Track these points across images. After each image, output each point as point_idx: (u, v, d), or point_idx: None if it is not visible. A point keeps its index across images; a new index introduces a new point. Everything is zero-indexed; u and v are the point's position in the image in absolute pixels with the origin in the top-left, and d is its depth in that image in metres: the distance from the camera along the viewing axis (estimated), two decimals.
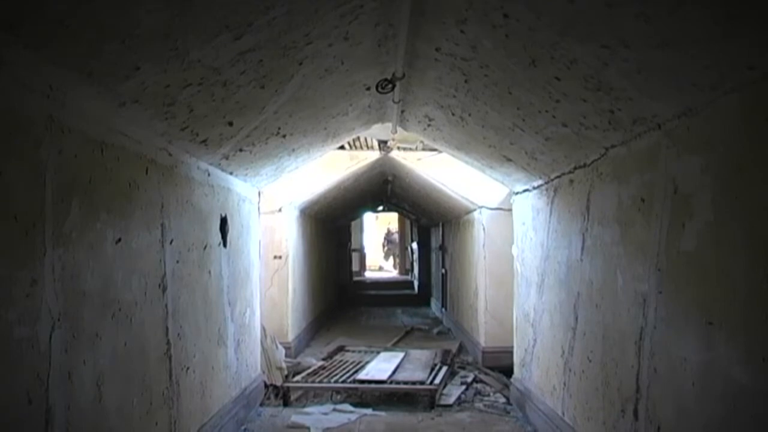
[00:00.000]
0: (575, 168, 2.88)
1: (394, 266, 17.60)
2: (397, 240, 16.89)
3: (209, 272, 3.06)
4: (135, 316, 2.17)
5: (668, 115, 1.94)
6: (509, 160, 3.39)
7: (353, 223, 13.47)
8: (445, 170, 5.34)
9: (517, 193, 4.07)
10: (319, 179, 5.47)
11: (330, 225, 9.36)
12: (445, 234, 8.20)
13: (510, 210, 4.58)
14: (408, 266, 15.01)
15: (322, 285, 8.14)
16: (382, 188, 7.54)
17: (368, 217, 20.32)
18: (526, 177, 3.58)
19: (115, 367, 2.01)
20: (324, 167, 5.38)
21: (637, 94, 1.90)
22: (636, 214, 2.21)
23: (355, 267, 14.33)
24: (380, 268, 18.09)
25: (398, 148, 5.33)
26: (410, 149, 5.34)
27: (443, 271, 8.25)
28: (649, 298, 2.11)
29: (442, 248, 8.37)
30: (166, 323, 2.47)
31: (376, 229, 22.92)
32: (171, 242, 2.53)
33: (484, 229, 5.25)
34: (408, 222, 14.64)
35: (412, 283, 13.12)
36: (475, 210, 5.57)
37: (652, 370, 2.07)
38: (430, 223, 9.96)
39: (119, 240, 2.06)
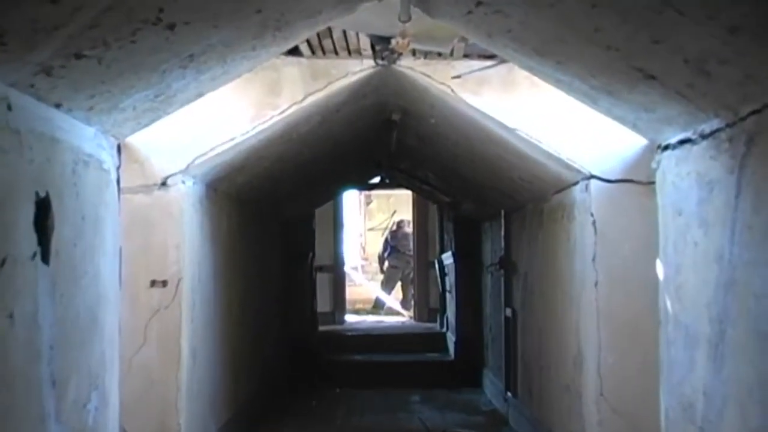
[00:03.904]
0: None
1: (406, 303, 17.61)
2: (411, 247, 16.89)
3: (10, 317, 3.01)
4: None
5: None
6: (650, 77, 3.36)
7: (320, 213, 13.45)
8: (510, 100, 5.35)
9: (665, 149, 4.04)
10: (246, 120, 5.43)
11: (271, 216, 9.33)
12: (512, 235, 8.19)
13: (649, 184, 4.54)
14: (434, 303, 15.00)
15: (254, 342, 8.13)
16: (380, 137, 7.51)
17: (350, 201, 20.34)
18: (684, 114, 3.56)
19: None
20: (257, 95, 5.38)
21: None
22: None
23: (323, 304, 14.33)
24: (376, 305, 18.15)
25: (413, 53, 5.31)
26: (438, 55, 5.30)
27: (508, 313, 8.25)
28: None
29: (506, 265, 8.39)
30: None
31: (368, 223, 22.98)
32: None
33: (593, 223, 5.23)
34: (435, 210, 14.61)
35: (442, 338, 13.15)
36: (574, 184, 5.55)
37: None
38: (480, 211, 9.95)
39: None
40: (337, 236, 15.75)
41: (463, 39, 4.87)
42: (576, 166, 5.31)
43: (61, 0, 2.57)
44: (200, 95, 4.34)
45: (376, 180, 12.14)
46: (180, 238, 5.42)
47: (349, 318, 16.15)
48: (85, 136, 3.73)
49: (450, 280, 12.45)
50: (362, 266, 21.52)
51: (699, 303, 3.61)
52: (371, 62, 5.40)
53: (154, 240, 5.33)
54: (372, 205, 22.88)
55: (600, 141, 5.13)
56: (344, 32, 5.06)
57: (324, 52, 5.38)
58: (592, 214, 5.25)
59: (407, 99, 6.19)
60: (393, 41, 5.01)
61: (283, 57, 5.19)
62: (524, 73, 4.79)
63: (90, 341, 3.79)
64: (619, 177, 5.19)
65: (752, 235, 3.17)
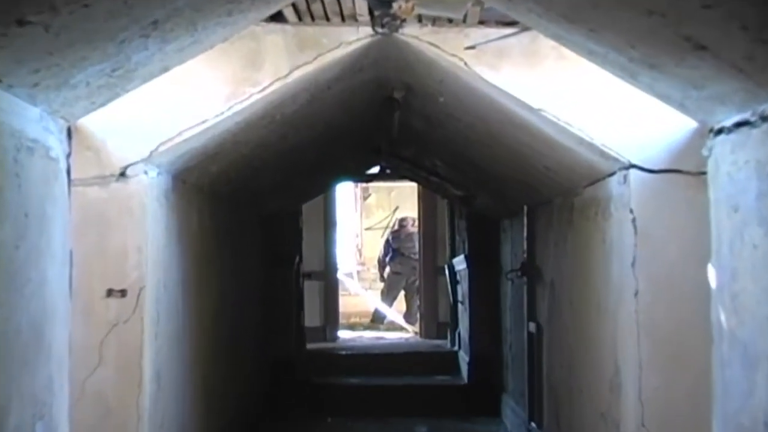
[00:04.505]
0: None
1: (410, 316, 17.62)
2: (416, 250, 16.89)
3: None
4: None
5: None
6: (700, 47, 3.35)
7: (308, 210, 13.45)
8: (534, 75, 5.35)
9: (718, 133, 4.03)
10: (220, 99, 5.43)
11: (250, 213, 9.32)
12: (536, 236, 8.21)
13: (699, 174, 4.55)
14: (443, 316, 15.00)
15: (229, 363, 8.14)
16: (380, 119, 7.51)
17: (345, 195, 20.32)
18: (741, 91, 3.55)
19: None
20: (234, 70, 5.38)
21: None
22: None
23: (312, 318, 14.34)
24: (375, 319, 18.16)
25: (419, 20, 5.32)
26: (449, 21, 5.32)
27: (532, 328, 8.27)
28: None
29: (529, 271, 8.41)
30: None
31: (365, 221, 22.96)
32: None
33: (633, 221, 5.23)
34: (444, 206, 14.60)
35: (453, 357, 13.19)
36: (610, 174, 5.55)
37: None
38: (498, 207, 9.95)
39: None
40: (328, 237, 15.75)
41: (479, 2, 4.87)
42: (612, 153, 5.29)
43: None
44: (166, 69, 4.33)
45: (375, 170, 12.13)
46: (142, 239, 5.42)
47: (343, 334, 16.15)
48: (29, 118, 3.72)
49: (463, 288, 12.45)
50: (358, 272, 21.52)
51: (759, 316, 3.60)
52: (369, 30, 5.38)
53: (111, 241, 5.32)
54: (370, 200, 22.89)
55: (641, 124, 5.13)
56: None
57: (313, 18, 5.36)
58: (631, 211, 5.24)
59: (412, 74, 6.18)
60: (395, 5, 5.02)
61: (264, 24, 5.18)
62: (551, 43, 4.78)
63: (34, 361, 3.78)
64: (664, 166, 5.17)
65: None
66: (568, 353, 6.93)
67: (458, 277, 12.91)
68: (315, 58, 5.44)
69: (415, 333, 16.50)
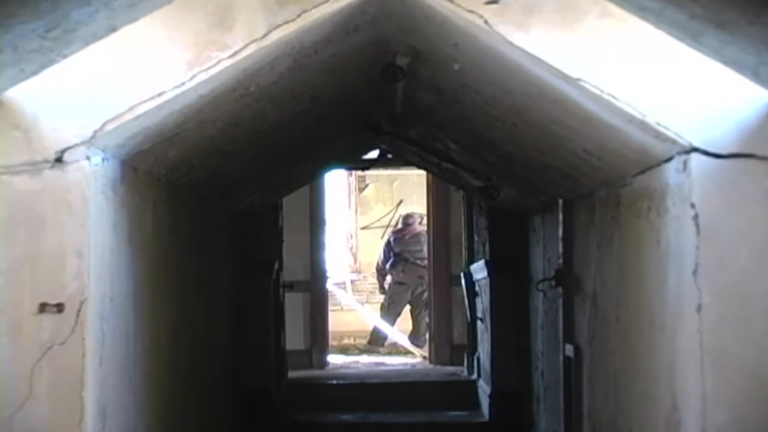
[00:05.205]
0: None
1: (417, 337, 17.66)
2: (425, 254, 16.93)
3: None
4: None
5: None
6: None
7: (290, 204, 13.48)
8: (572, 37, 5.34)
9: None
10: (180, 66, 5.44)
11: (218, 208, 9.34)
12: (575, 236, 8.25)
13: None
14: (459, 337, 15.03)
15: (191, 394, 8.17)
16: (380, 92, 7.52)
17: (336, 186, 20.35)
18: None
19: None
20: (198, 29, 5.37)
21: None
22: None
23: (295, 338, 14.37)
24: (373, 340, 18.21)
25: None
26: None
27: (569, 351, 8.30)
28: None
29: (565, 281, 8.43)
30: None
31: (361, 219, 22.98)
32: None
33: (695, 218, 5.23)
34: (460, 199, 14.63)
35: (471, 388, 13.26)
36: (667, 160, 5.56)
37: None
38: (527, 201, 9.97)
39: None
40: (315, 238, 15.82)
41: None
42: (669, 133, 5.29)
43: None
44: (113, 29, 4.33)
45: (374, 155, 12.15)
46: (83, 241, 5.42)
47: (334, 359, 16.22)
48: None
49: (483, 302, 12.49)
50: (353, 282, 21.58)
51: None
52: None
53: (44, 244, 5.32)
54: (367, 192, 22.93)
55: (705, 97, 5.11)
56: None
57: None
58: (692, 205, 5.23)
59: (419, 35, 6.19)
60: None
61: None
62: (591, 1, 4.79)
63: None
64: (734, 150, 5.15)
65: None
66: (614, 383, 6.94)
67: (477, 288, 12.94)
68: (299, 16, 5.43)
69: (424, 358, 16.58)
